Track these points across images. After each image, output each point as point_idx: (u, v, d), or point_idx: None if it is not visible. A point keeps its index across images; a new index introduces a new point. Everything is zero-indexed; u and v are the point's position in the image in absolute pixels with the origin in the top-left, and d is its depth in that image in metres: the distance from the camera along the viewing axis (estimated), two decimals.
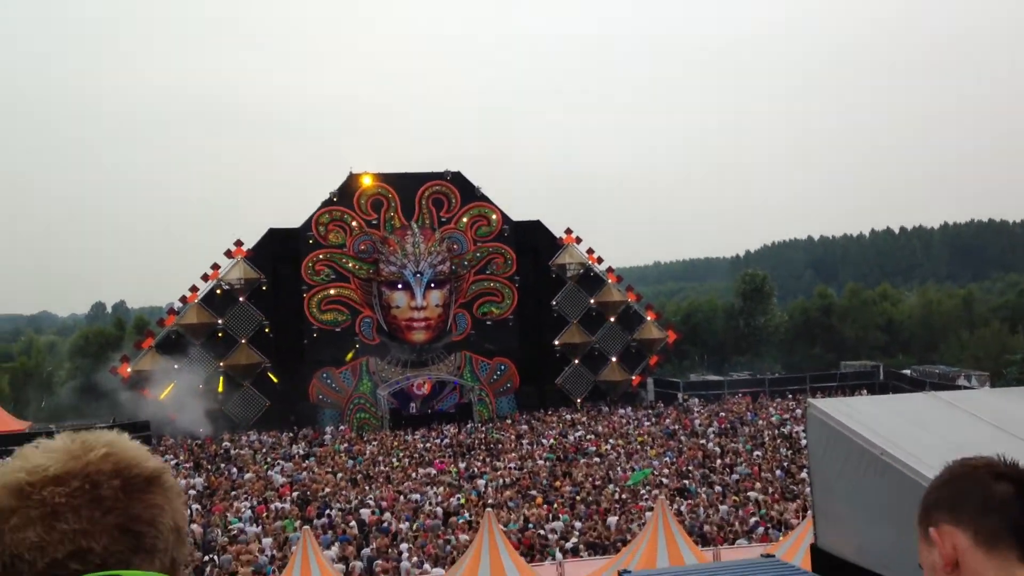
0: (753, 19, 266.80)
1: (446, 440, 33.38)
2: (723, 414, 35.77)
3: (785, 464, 26.06)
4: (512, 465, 27.60)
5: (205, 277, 39.93)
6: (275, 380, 39.88)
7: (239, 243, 40.27)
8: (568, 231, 44.35)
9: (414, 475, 26.65)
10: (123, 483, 1.12)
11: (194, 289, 39.71)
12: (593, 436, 32.43)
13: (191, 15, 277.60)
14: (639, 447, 29.88)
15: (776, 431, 31.64)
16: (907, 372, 46.63)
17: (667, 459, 27.72)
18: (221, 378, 39.07)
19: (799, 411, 33.00)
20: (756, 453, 28.12)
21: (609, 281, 44.16)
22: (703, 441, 30.49)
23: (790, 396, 40.37)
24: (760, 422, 33.76)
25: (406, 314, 40.58)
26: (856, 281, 75.25)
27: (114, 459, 1.13)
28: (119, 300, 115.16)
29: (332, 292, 40.68)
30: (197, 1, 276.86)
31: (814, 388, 41.89)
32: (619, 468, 26.48)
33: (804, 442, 26.48)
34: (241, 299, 39.58)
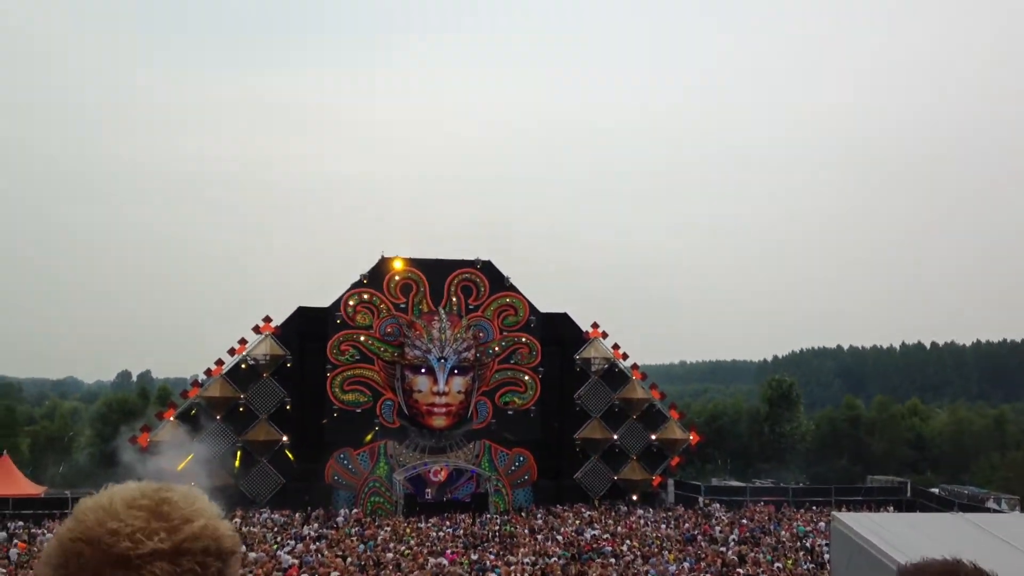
0: (801, 120, 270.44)
1: (459, 530, 32.80)
2: (745, 522, 34.90)
3: None
4: (525, 560, 26.99)
5: (232, 351, 40.23)
6: (292, 458, 39.68)
7: (267, 319, 40.68)
8: (595, 325, 44.35)
9: (425, 564, 26.13)
10: (223, 565, 1.15)
11: (219, 362, 39.98)
12: (609, 536, 31.74)
13: (224, 94, 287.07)
14: (657, 550, 29.15)
15: (799, 543, 30.77)
16: (935, 491, 45.38)
17: (686, 565, 26.98)
18: (239, 452, 38.95)
19: (823, 524, 32.14)
20: (777, 565, 27.30)
21: (633, 378, 43.86)
22: (723, 548, 29.68)
23: (814, 507, 39.39)
24: (783, 532, 32.88)
25: (428, 399, 40.44)
26: (885, 394, 74.15)
27: (211, 534, 1.15)
28: (145, 369, 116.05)
29: (354, 372, 40.76)
30: (229, 83, 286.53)
31: (839, 501, 40.81)
32: (634, 570, 25.80)
33: (827, 556, 25.72)
34: (265, 375, 39.76)
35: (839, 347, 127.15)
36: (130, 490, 1.15)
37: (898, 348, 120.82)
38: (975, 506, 37.74)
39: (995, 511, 33.59)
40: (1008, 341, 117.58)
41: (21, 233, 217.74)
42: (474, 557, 27.33)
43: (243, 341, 40.33)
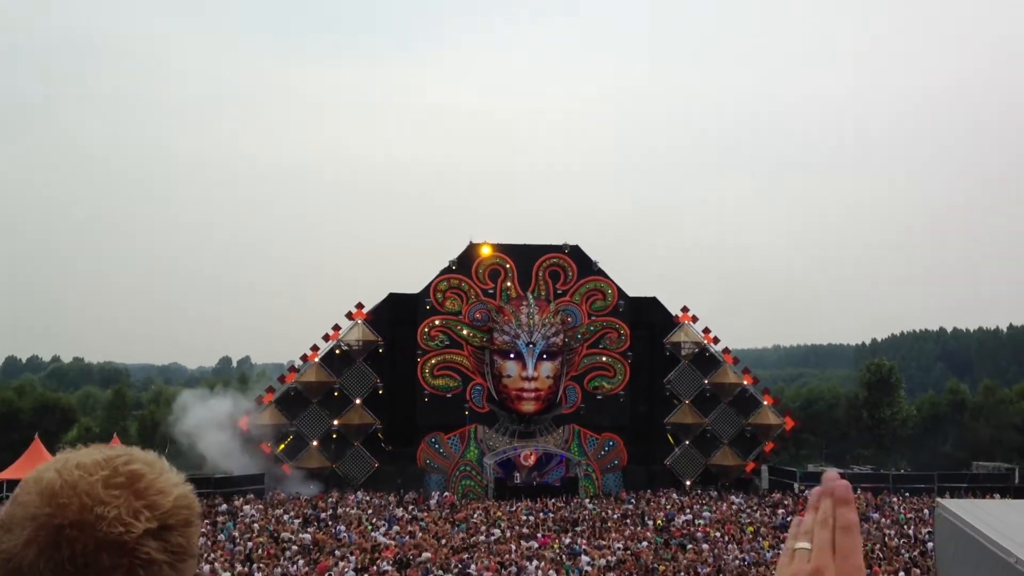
0: (901, 96, 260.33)
1: (550, 514, 32.92)
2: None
3: (908, 567, 24.45)
4: (617, 545, 26.91)
5: (326, 337, 41.22)
6: (385, 444, 40.47)
7: (360, 306, 41.49)
8: (684, 309, 43.76)
9: (515, 547, 26.32)
10: (195, 531, 1.20)
11: (315, 348, 41.03)
12: (701, 522, 31.36)
13: (310, 91, 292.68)
14: (751, 536, 28.66)
15: (899, 530, 29.81)
16: None
17: (779, 552, 26.43)
18: (334, 436, 39.94)
19: (926, 511, 31.05)
20: (877, 553, 26.51)
21: (725, 362, 43.14)
22: None
23: (916, 495, 38.12)
24: (883, 520, 31.91)
25: (517, 384, 40.63)
26: (991, 378, 71.07)
27: (185, 503, 1.18)
28: (245, 355, 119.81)
29: (444, 358, 41.24)
30: (317, 79, 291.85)
31: (942, 488, 39.33)
32: (729, 557, 25.43)
33: (930, 545, 24.85)
34: (358, 360, 40.60)
35: (941, 329, 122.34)
36: (94, 464, 1.13)
37: (1005, 330, 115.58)
38: None
39: None
40: None
41: (133, 223, 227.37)
42: (566, 541, 27.40)
43: (337, 327, 41.26)
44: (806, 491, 39.01)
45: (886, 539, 28.55)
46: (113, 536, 1.08)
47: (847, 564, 0.97)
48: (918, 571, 23.64)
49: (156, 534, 1.11)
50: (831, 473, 1.02)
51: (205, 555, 22.94)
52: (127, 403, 56.98)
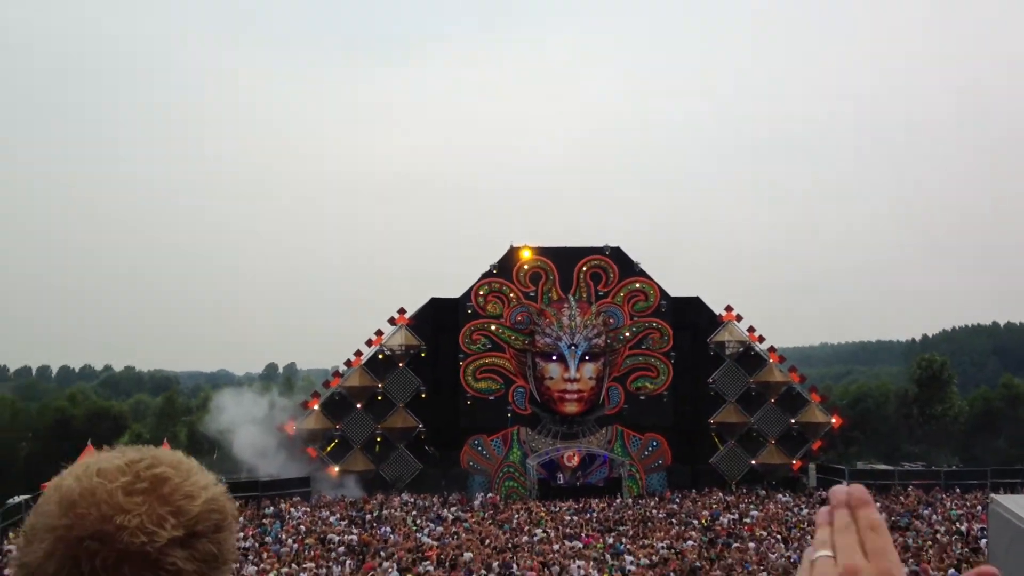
0: (935, 101, 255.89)
1: (594, 514, 32.85)
2: (892, 506, 33.43)
3: (960, 564, 23.96)
4: (661, 545, 26.76)
5: (369, 342, 41.63)
6: (428, 447, 40.72)
7: (402, 311, 41.82)
8: (728, 308, 43.36)
9: (558, 547, 26.31)
10: (230, 533, 1.14)
11: (358, 353, 41.43)
12: (748, 521, 31.06)
13: (357, 93, 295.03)
14: (799, 535, 28.30)
15: (952, 527, 29.23)
16: None
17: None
18: (378, 439, 40.30)
19: (979, 508, 30.39)
20: (929, 551, 26.02)
21: (771, 361, 42.66)
22: None
23: (968, 491, 37.33)
24: (934, 517, 31.31)
25: (559, 385, 40.61)
26: None
27: (216, 506, 1.13)
28: (290, 361, 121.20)
29: (487, 360, 41.38)
30: (365, 81, 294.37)
31: (996, 484, 38.36)
32: (775, 556, 25.15)
33: (983, 541, 24.33)
34: (401, 364, 40.92)
35: (995, 324, 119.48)
36: (116, 469, 1.06)
37: None
38: None
39: None
40: None
41: (176, 231, 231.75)
42: (609, 540, 27.33)
43: (379, 332, 41.64)
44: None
45: (937, 535, 28.03)
46: (135, 547, 1.01)
47: (883, 562, 0.90)
48: (967, 567, 23.14)
49: (183, 542, 1.04)
50: (837, 487, 0.98)
51: (251, 557, 23.31)
52: (177, 410, 58.05)
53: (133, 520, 1.01)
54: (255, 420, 40.84)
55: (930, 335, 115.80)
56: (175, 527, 1.03)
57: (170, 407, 57.42)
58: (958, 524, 29.43)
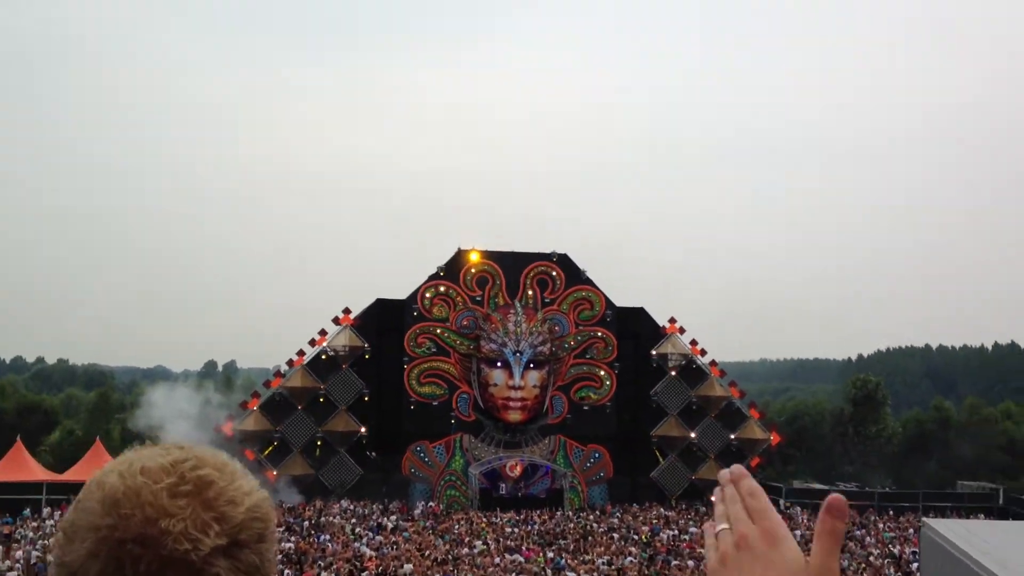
0: (892, 116, 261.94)
1: (535, 526, 32.71)
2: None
3: None
4: (601, 560, 26.73)
5: (312, 342, 40.90)
6: (370, 452, 40.15)
7: (347, 311, 41.21)
8: (672, 320, 43.68)
9: (499, 560, 26.10)
10: (271, 543, 1.08)
11: (301, 353, 40.68)
12: (687, 538, 31.21)
13: (297, 89, 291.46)
14: None
15: (885, 549, 29.76)
16: None
17: None
18: (319, 443, 39.61)
19: (911, 531, 31.01)
20: (863, 574, 26.43)
21: (712, 375, 43.07)
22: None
23: (900, 513, 38.12)
24: (868, 539, 31.85)
25: (503, 393, 40.43)
26: (976, 396, 71.33)
27: (260, 514, 1.06)
28: (231, 359, 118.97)
29: (431, 364, 41.01)
30: (302, 76, 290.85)
31: (927, 507, 39.33)
32: None
33: (915, 565, 24.78)
34: (344, 366, 40.30)
35: (927, 346, 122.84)
36: (160, 468, 1.01)
37: (990, 348, 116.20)
38: None
39: None
40: None
41: (121, 222, 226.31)
42: (550, 555, 27.20)
43: (323, 332, 40.96)
44: (791, 507, 38.96)
45: (870, 558, 28.50)
46: (179, 554, 0.95)
47: (765, 521, 0.99)
48: None
49: (226, 551, 0.98)
50: (723, 470, 1.08)
51: None
52: (111, 406, 56.42)
53: (177, 525, 0.96)
54: (189, 418, 39.75)
55: (865, 355, 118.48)
56: (218, 535, 0.98)
57: (104, 403, 55.78)
58: (891, 547, 29.99)
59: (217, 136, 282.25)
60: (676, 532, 32.11)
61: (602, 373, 42.23)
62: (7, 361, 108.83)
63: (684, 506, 39.26)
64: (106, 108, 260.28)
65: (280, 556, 24.99)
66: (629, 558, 27.12)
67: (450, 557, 26.24)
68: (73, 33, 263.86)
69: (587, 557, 27.17)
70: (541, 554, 27.25)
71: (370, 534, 29.55)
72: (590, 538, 30.72)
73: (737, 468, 1.07)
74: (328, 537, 28.63)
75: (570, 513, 36.93)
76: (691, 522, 34.63)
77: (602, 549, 28.45)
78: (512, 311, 41.24)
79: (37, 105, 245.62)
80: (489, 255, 42.49)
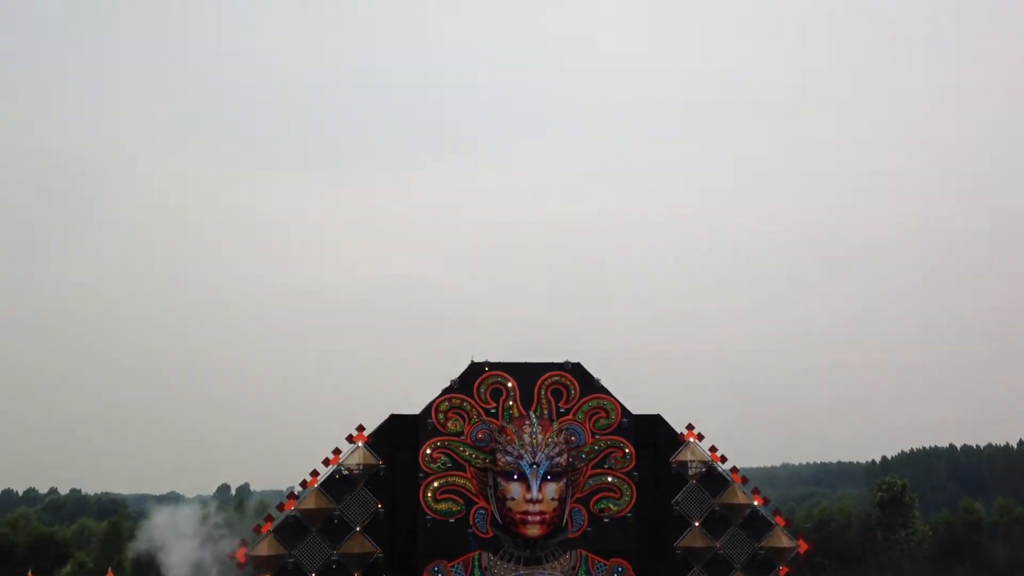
0: (892, 224, 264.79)
1: None
2: None
3: None
4: None
5: (326, 461, 40.40)
6: (385, 574, 39.11)
7: (360, 428, 40.93)
8: (689, 427, 43.09)
9: None
10: None
11: (315, 474, 40.16)
12: None
13: (308, 210, 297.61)
14: None
15: None
16: None
17: None
18: (334, 567, 38.64)
19: None
20: None
21: (733, 482, 42.19)
22: None
23: None
24: None
25: (521, 507, 39.60)
26: (1005, 496, 69.76)
27: None
28: (244, 482, 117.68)
29: (445, 480, 40.44)
30: (317, 197, 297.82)
31: None
32: None
33: None
34: (359, 485, 39.74)
35: (951, 446, 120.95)
36: None
37: (1015, 446, 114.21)
38: None
39: None
40: None
41: (129, 349, 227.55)
42: None
43: (337, 451, 40.56)
44: None
45: None
46: None
47: None
48: None
49: None
50: None
51: None
52: (122, 535, 55.61)
53: None
54: (198, 544, 39.11)
55: (889, 457, 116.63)
56: None
57: (115, 533, 54.99)
58: None
59: (222, 258, 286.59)
60: None
61: (621, 483, 41.41)
62: (20, 493, 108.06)
63: None
64: (99, 236, 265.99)
65: None
66: None
67: None
68: None
69: None
70: None
71: None
72: None
73: None
74: None
75: None
76: None
77: None
78: (527, 422, 40.94)
79: (43, 234, 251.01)
80: (503, 366, 42.43)
